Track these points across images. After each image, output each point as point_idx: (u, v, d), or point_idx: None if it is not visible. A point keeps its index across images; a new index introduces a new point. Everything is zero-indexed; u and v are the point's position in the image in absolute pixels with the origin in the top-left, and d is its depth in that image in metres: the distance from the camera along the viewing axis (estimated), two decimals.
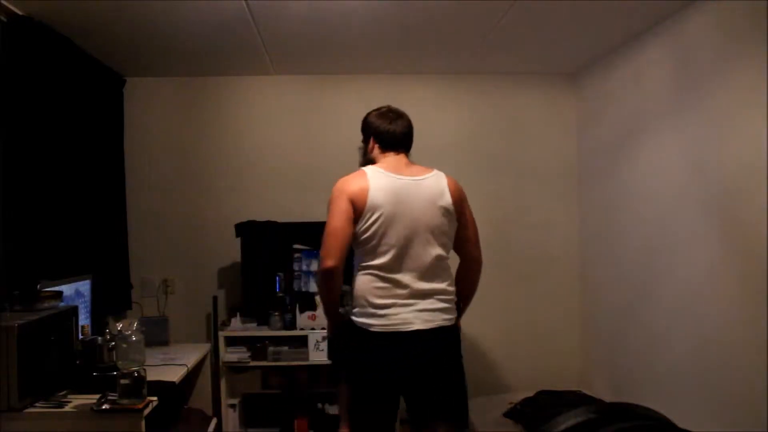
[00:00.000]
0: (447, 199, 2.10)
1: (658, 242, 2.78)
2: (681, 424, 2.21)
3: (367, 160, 2.19)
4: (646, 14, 2.66)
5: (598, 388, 3.39)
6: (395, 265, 2.00)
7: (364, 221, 2.00)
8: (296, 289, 3.26)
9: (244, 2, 2.47)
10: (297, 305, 3.21)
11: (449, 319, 2.07)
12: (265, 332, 3.21)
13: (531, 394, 3.19)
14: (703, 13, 2.43)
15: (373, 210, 1.99)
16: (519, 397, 3.14)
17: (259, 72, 3.55)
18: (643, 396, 2.80)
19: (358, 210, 2.00)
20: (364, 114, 3.67)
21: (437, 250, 2.06)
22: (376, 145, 2.16)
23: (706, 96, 2.42)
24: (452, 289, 2.14)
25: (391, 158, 2.13)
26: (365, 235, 2.00)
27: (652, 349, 2.83)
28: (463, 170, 3.68)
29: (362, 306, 2.02)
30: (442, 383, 2.03)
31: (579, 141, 3.69)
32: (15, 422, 1.92)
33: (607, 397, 3.13)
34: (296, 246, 3.29)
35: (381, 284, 2.00)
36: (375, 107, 2.22)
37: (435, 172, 2.17)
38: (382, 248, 2.00)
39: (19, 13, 2.45)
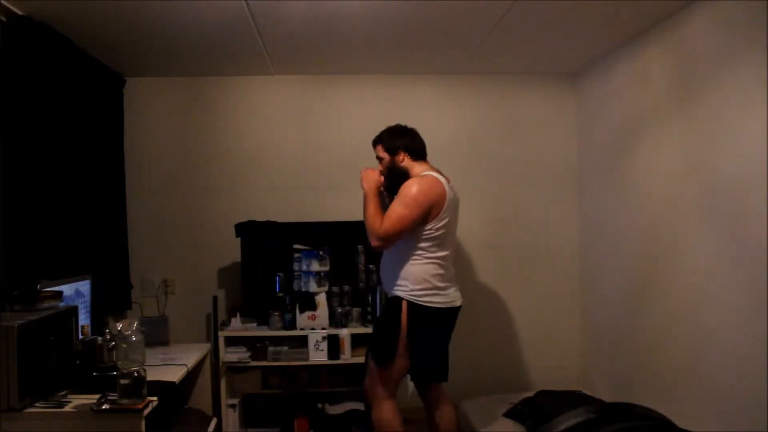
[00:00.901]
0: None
1: (658, 242, 2.78)
2: (681, 424, 2.21)
3: (395, 169, 2.57)
4: (646, 14, 2.66)
5: (598, 388, 3.39)
6: (450, 255, 2.53)
7: (436, 222, 2.44)
8: (296, 289, 3.26)
9: (244, 2, 2.47)
10: (297, 305, 3.21)
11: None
12: (265, 332, 3.21)
13: (531, 394, 3.18)
14: (703, 13, 2.43)
15: (446, 212, 2.46)
16: (519, 397, 3.14)
17: (259, 72, 3.55)
18: (643, 396, 2.81)
19: (436, 211, 2.42)
20: (364, 114, 3.71)
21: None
22: (407, 156, 2.58)
23: (706, 96, 2.42)
24: None
25: (427, 165, 2.60)
26: (440, 232, 2.45)
27: (652, 349, 2.83)
28: (464, 170, 3.69)
29: (427, 288, 2.45)
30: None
31: (579, 141, 3.69)
32: (15, 422, 1.92)
33: (607, 397, 3.12)
34: (296, 246, 3.29)
35: (442, 271, 2.48)
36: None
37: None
38: (446, 244, 2.49)
39: (19, 13, 2.45)
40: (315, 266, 3.27)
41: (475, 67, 3.52)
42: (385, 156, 2.59)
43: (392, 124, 2.71)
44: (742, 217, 2.22)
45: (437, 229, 2.45)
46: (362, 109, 3.66)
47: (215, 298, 3.36)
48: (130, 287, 3.46)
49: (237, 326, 3.22)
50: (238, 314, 3.25)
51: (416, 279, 2.45)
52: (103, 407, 1.97)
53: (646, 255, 2.90)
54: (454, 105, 3.70)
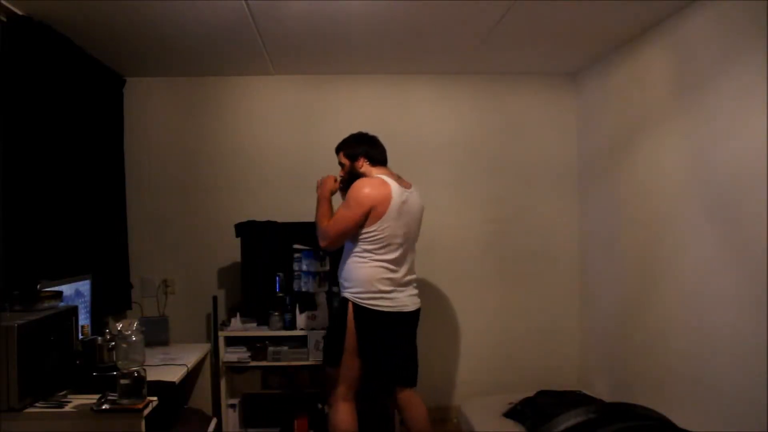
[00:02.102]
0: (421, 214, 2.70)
1: (658, 242, 2.78)
2: (681, 424, 2.21)
3: (355, 175, 2.62)
4: (646, 14, 2.66)
5: (598, 388, 3.39)
6: (400, 260, 2.55)
7: (379, 224, 2.48)
8: (296, 289, 3.26)
9: (244, 2, 2.47)
10: (297, 305, 3.21)
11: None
12: (265, 332, 3.21)
13: (531, 394, 3.18)
14: (703, 13, 2.43)
15: (392, 215, 2.49)
16: (519, 397, 3.14)
17: (259, 72, 3.55)
18: (643, 396, 2.81)
19: (379, 213, 2.46)
20: (363, 114, 3.71)
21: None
22: (366, 162, 2.64)
23: (706, 96, 2.42)
24: None
25: (384, 170, 2.64)
26: (384, 234, 2.48)
27: (652, 349, 2.83)
28: (463, 170, 3.70)
29: (372, 291, 2.48)
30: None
31: (579, 141, 3.69)
32: (15, 422, 1.92)
33: (607, 397, 3.13)
34: (296, 246, 3.29)
35: (389, 275, 2.51)
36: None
37: (414, 187, 2.68)
38: (395, 247, 2.52)
39: (19, 13, 2.45)
40: (315, 266, 3.27)
41: (474, 67, 3.52)
42: (346, 162, 2.67)
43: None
44: (742, 216, 2.22)
45: (381, 231, 2.48)
46: (362, 109, 3.66)
47: (215, 298, 3.36)
48: (130, 287, 3.46)
49: (237, 326, 3.22)
50: (238, 314, 3.25)
51: (361, 281, 2.50)
52: (103, 407, 1.97)
53: (645, 255, 2.90)
54: (454, 105, 3.70)
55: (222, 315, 3.45)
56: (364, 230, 2.49)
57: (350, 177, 2.64)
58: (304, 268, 3.27)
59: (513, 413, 2.99)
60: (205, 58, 3.24)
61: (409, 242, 2.60)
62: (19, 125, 2.43)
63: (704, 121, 2.44)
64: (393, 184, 2.53)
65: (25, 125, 2.46)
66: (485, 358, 3.68)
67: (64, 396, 2.10)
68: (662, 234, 2.75)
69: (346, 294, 2.55)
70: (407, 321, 2.60)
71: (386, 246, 2.50)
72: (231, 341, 3.22)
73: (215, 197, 3.60)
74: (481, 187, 3.70)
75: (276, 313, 3.21)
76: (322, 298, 3.22)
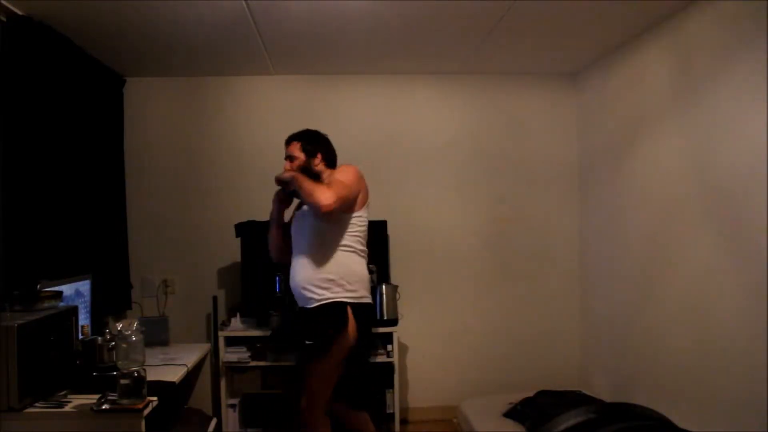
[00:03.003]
0: None
1: (658, 242, 2.78)
2: (681, 424, 2.21)
3: (308, 170, 2.47)
4: (646, 14, 2.66)
5: (598, 388, 3.39)
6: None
7: (365, 212, 2.42)
8: None
9: (244, 2, 2.47)
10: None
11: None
12: (265, 332, 3.21)
13: (531, 394, 3.18)
14: (703, 13, 2.43)
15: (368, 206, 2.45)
16: (519, 397, 3.14)
17: (259, 72, 3.55)
18: (643, 396, 2.81)
19: (364, 198, 2.41)
20: (363, 114, 3.71)
21: None
22: (323, 162, 2.52)
23: (706, 96, 2.42)
24: None
25: None
26: (364, 224, 2.42)
27: (652, 349, 2.83)
28: (463, 170, 3.69)
29: (366, 288, 2.39)
30: None
31: (579, 141, 3.69)
32: (15, 422, 1.91)
33: (607, 397, 3.12)
34: None
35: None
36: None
37: None
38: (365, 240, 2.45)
39: (19, 13, 2.45)
40: None
41: (475, 67, 3.52)
42: (301, 156, 2.50)
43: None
44: (742, 216, 2.22)
45: (363, 219, 2.42)
46: (362, 109, 3.66)
47: (215, 298, 3.36)
48: (130, 287, 3.46)
49: (237, 326, 3.22)
50: (238, 314, 3.25)
51: (357, 276, 2.36)
52: (103, 407, 1.97)
53: (645, 255, 2.90)
54: (454, 105, 3.70)
55: (222, 315, 3.45)
56: (355, 214, 2.38)
57: (302, 172, 2.44)
58: None
59: (513, 413, 2.99)
60: (205, 58, 3.24)
61: None
62: (19, 125, 2.43)
63: (704, 120, 2.44)
64: None
65: (25, 125, 2.45)
66: (485, 358, 3.68)
67: (64, 396, 2.09)
68: (662, 233, 2.75)
69: (343, 297, 2.30)
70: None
71: (364, 238, 2.44)
72: (231, 341, 3.22)
73: (215, 197, 3.60)
74: (481, 187, 3.70)
75: (276, 313, 3.20)
76: None
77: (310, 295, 2.35)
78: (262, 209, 3.50)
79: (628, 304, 3.07)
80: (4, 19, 2.41)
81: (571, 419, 2.27)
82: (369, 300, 2.42)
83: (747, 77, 2.18)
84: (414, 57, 3.32)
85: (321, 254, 2.36)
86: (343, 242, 2.37)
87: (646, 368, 2.90)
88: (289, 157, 2.53)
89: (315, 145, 2.53)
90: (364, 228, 2.43)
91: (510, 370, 3.68)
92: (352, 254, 2.38)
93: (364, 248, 2.43)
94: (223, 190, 3.60)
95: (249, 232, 3.31)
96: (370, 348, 2.49)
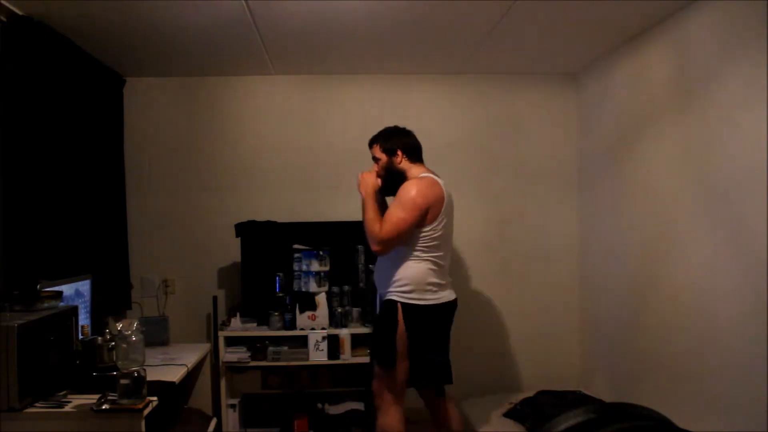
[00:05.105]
0: None
1: (658, 242, 2.78)
2: (681, 424, 2.21)
3: (392, 170, 2.56)
4: (646, 14, 2.66)
5: (598, 388, 3.39)
6: (446, 255, 2.54)
7: (437, 222, 2.45)
8: (296, 289, 3.26)
9: (244, 2, 2.47)
10: (297, 305, 3.20)
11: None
12: (265, 332, 3.21)
13: (531, 394, 3.19)
14: (703, 13, 2.43)
15: (444, 214, 2.47)
16: (519, 397, 3.14)
17: (259, 72, 3.55)
18: (644, 396, 2.81)
19: (435, 213, 2.43)
20: (363, 114, 3.71)
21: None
22: (405, 157, 2.57)
23: (706, 96, 2.42)
24: None
25: (424, 167, 2.59)
26: (438, 233, 2.46)
27: (652, 349, 2.83)
28: (464, 170, 3.69)
29: (422, 288, 2.44)
30: None
31: (579, 141, 3.69)
32: (15, 422, 1.91)
33: (607, 397, 3.13)
34: (296, 246, 3.29)
35: (436, 268, 2.48)
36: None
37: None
38: (443, 245, 2.50)
39: (19, 13, 2.45)
40: (315, 266, 3.27)
41: (475, 67, 3.52)
42: (383, 157, 2.58)
43: (390, 124, 2.70)
44: (742, 216, 2.22)
45: (435, 230, 2.45)
46: (362, 109, 3.66)
47: (215, 298, 3.36)
48: (130, 287, 3.46)
49: (237, 326, 3.22)
50: (238, 314, 3.25)
51: (412, 280, 2.44)
52: (103, 407, 1.97)
53: (645, 255, 2.90)
54: (454, 105, 3.70)
55: (222, 315, 3.45)
56: (419, 231, 2.43)
57: (387, 173, 2.57)
58: (304, 268, 3.27)
59: (513, 413, 2.99)
60: (205, 58, 3.24)
61: (451, 238, 2.59)
62: (19, 125, 2.43)
63: (704, 120, 2.44)
64: (441, 182, 2.50)
65: (25, 125, 2.45)
66: (485, 358, 3.68)
67: (64, 396, 2.10)
68: (662, 233, 2.75)
69: (393, 295, 2.46)
70: (450, 311, 2.55)
71: (438, 245, 2.46)
72: (231, 341, 3.22)
73: (215, 197, 3.60)
74: (481, 187, 3.70)
75: (276, 313, 3.20)
76: (322, 298, 3.22)
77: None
78: (262, 209, 3.53)
79: (628, 304, 3.07)
80: (4, 19, 2.41)
81: (571, 419, 2.26)
82: (423, 298, 2.46)
83: (747, 77, 2.17)
84: (414, 57, 3.32)
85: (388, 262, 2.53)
86: (407, 250, 2.46)
87: (646, 368, 2.89)
88: (374, 159, 2.62)
89: (393, 143, 2.57)
90: (436, 236, 2.44)
91: (510, 370, 3.68)
92: (416, 260, 2.46)
93: (438, 252, 2.47)
94: (223, 190, 3.60)
95: (249, 232, 3.31)
96: (420, 347, 2.49)
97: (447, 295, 2.52)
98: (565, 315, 3.71)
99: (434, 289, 2.46)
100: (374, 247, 2.46)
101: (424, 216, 2.41)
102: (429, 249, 2.45)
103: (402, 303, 2.44)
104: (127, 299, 3.42)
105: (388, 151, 2.57)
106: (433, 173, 2.55)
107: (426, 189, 2.43)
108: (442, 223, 2.46)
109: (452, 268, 3.67)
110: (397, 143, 2.56)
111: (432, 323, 2.48)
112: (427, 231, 2.44)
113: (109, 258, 3.20)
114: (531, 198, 3.72)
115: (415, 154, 2.59)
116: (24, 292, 2.15)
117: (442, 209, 2.45)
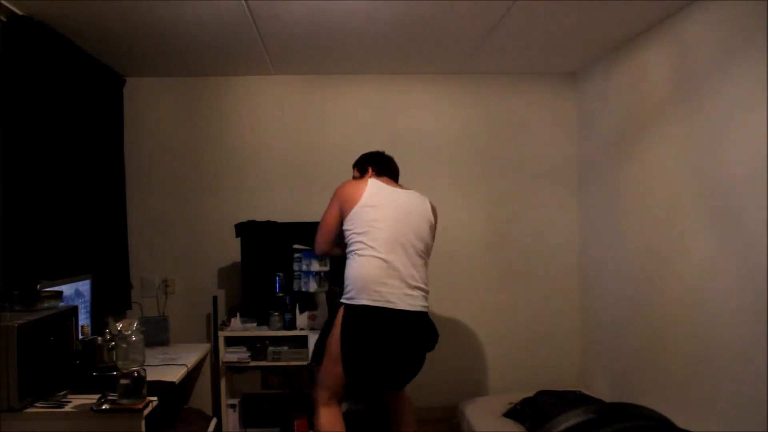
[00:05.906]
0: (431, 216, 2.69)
1: (658, 242, 2.78)
2: (681, 424, 2.21)
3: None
4: (646, 14, 2.66)
5: (598, 388, 3.39)
6: (396, 258, 2.50)
7: (357, 207, 2.54)
8: (296, 289, 3.25)
9: (244, 2, 2.47)
10: (297, 305, 3.21)
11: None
12: (265, 332, 3.21)
13: (531, 394, 3.18)
14: (703, 13, 2.43)
15: (364, 210, 2.50)
16: (519, 397, 3.14)
17: (259, 72, 3.55)
18: (643, 396, 2.81)
19: (354, 199, 2.54)
20: (363, 114, 3.71)
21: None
22: (373, 174, 2.70)
23: (706, 96, 2.42)
24: None
25: (385, 178, 2.69)
26: (363, 230, 2.50)
27: (653, 349, 2.83)
28: (463, 170, 3.69)
29: (357, 288, 2.45)
30: None
31: (579, 141, 3.69)
32: (15, 422, 1.92)
33: (607, 397, 3.13)
34: (296, 246, 3.29)
35: (378, 272, 2.45)
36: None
37: (420, 196, 2.70)
38: (383, 244, 2.48)
39: (19, 13, 2.45)
40: (315, 266, 3.26)
41: (474, 67, 3.52)
42: (357, 175, 2.77)
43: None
44: (742, 216, 2.22)
45: (357, 214, 2.48)
46: (362, 109, 3.66)
47: (215, 298, 3.36)
48: (130, 287, 3.46)
49: (237, 326, 3.22)
50: (238, 314, 3.25)
51: (350, 279, 2.46)
52: (103, 407, 1.97)
53: (645, 254, 2.90)
54: (454, 105, 3.70)
55: (222, 315, 3.45)
56: (345, 222, 2.52)
57: None
58: (304, 268, 3.26)
59: (513, 413, 2.99)
60: (205, 58, 3.24)
61: (410, 243, 2.48)
62: (19, 125, 2.43)
63: (704, 120, 2.44)
64: (375, 182, 2.57)
65: (25, 125, 2.46)
66: (485, 358, 3.68)
67: (64, 396, 2.10)
68: (662, 233, 2.75)
69: (343, 298, 2.50)
70: (397, 321, 2.39)
71: (373, 243, 2.42)
72: (231, 341, 3.22)
73: (215, 197, 3.60)
74: (480, 187, 3.70)
75: (276, 313, 3.21)
76: (322, 298, 3.22)
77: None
78: (262, 209, 3.53)
79: (628, 304, 3.07)
80: (4, 19, 2.41)
81: (571, 419, 2.26)
82: (356, 297, 2.42)
83: (747, 77, 2.18)
84: (414, 57, 3.32)
85: None
86: (347, 250, 2.54)
87: (646, 368, 2.90)
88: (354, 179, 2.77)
89: (365, 163, 2.77)
90: (363, 231, 2.46)
91: (510, 370, 3.68)
92: (355, 256, 2.48)
93: (378, 254, 2.42)
94: (223, 190, 3.60)
95: (249, 232, 3.31)
96: (350, 352, 2.46)
97: (392, 303, 2.37)
98: (565, 315, 3.71)
99: (376, 288, 2.37)
100: (315, 251, 2.72)
101: (340, 210, 2.53)
102: (362, 249, 2.44)
103: (343, 304, 2.46)
104: (127, 299, 3.42)
105: (361, 170, 2.77)
106: (394, 184, 2.65)
107: (348, 184, 2.59)
108: (363, 209, 2.47)
109: (452, 268, 3.73)
110: (368, 164, 2.76)
111: (367, 326, 2.38)
112: (349, 217, 2.50)
113: (109, 258, 3.20)
114: (531, 198, 3.72)
115: (383, 172, 2.72)
116: (24, 292, 2.15)
117: (362, 197, 2.49)
